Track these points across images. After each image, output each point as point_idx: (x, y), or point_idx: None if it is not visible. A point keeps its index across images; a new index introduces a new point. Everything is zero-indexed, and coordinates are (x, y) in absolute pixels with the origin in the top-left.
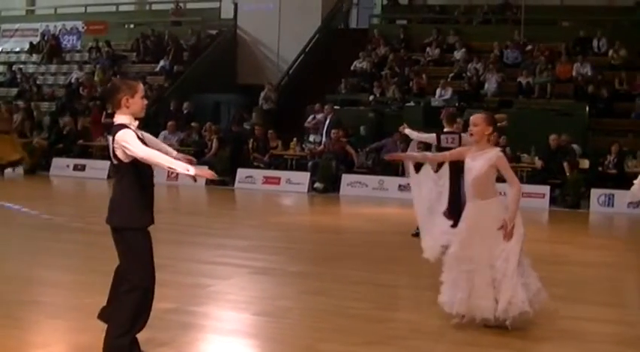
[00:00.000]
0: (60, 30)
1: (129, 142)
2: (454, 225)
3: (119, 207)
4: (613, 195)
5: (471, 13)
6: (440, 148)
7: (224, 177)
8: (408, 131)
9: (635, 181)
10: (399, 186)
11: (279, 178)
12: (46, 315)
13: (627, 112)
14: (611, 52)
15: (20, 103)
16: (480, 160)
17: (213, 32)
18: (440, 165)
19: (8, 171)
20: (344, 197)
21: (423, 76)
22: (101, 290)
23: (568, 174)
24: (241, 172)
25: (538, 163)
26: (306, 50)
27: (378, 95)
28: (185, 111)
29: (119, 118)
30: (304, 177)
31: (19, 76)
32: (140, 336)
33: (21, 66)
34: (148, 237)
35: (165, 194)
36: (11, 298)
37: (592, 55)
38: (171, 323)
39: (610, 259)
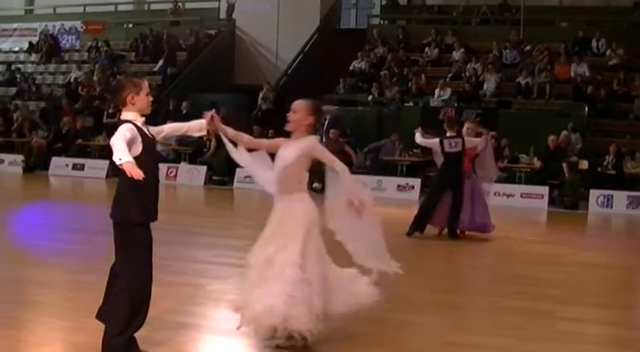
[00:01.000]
0: (59, 29)
1: (115, 134)
2: None
3: (121, 202)
4: (612, 196)
5: (470, 14)
6: (445, 153)
7: (223, 177)
8: (417, 135)
9: None
10: (398, 186)
11: None
12: (42, 315)
13: (626, 113)
14: (609, 53)
15: (19, 103)
16: (291, 149)
17: (212, 32)
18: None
19: (6, 168)
20: None
21: (422, 76)
22: (98, 289)
23: (567, 174)
24: (240, 172)
25: (537, 164)
26: (305, 50)
27: (376, 95)
28: (184, 111)
29: (125, 115)
30: None
31: (17, 75)
32: (138, 335)
33: (20, 65)
34: (148, 234)
35: (162, 193)
36: (8, 298)
37: (590, 56)
38: (169, 322)
39: (608, 260)
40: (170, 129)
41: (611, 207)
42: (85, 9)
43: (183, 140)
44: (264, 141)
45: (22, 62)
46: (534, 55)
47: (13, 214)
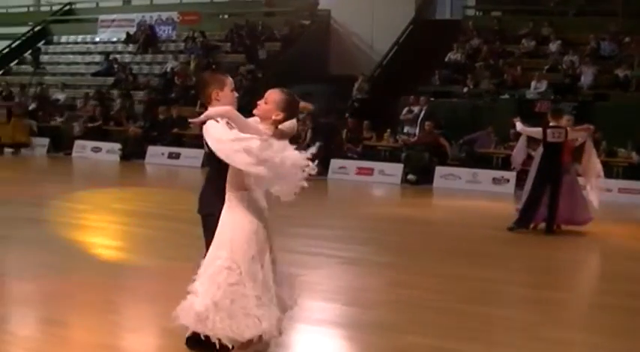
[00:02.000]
0: (155, 20)
1: (209, 132)
2: None
3: (206, 194)
4: None
5: (566, 5)
6: (546, 143)
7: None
8: (518, 124)
9: None
10: (493, 179)
11: (372, 169)
12: (137, 300)
13: None
14: None
15: (116, 92)
16: None
17: (306, 22)
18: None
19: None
20: (437, 189)
21: (518, 68)
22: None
23: None
24: (334, 163)
25: (635, 158)
26: (400, 41)
27: (471, 87)
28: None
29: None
30: (397, 168)
31: (115, 65)
32: None
33: (117, 56)
34: None
35: None
36: (105, 282)
37: None
38: None
39: None
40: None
41: None
42: (181, 0)
43: None
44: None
45: (120, 52)
46: (633, 47)
47: (109, 201)
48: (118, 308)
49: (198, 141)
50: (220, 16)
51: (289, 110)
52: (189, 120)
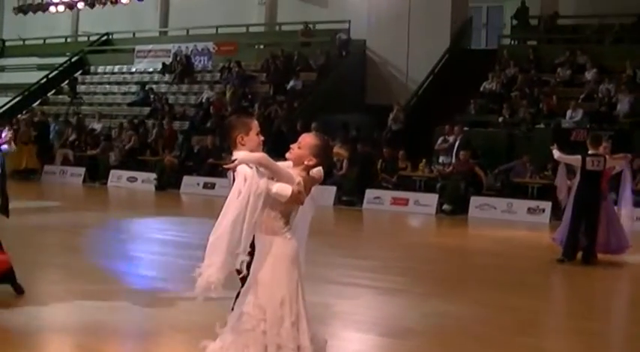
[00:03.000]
0: (191, 50)
1: (242, 157)
2: None
3: None
4: None
5: (603, 33)
6: (585, 171)
7: (352, 198)
8: (555, 151)
9: None
10: (528, 209)
11: (407, 199)
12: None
13: None
14: None
15: (151, 122)
16: None
17: (342, 52)
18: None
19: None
20: (472, 219)
21: (553, 97)
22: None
23: None
24: (369, 193)
25: None
26: (435, 70)
27: (507, 116)
28: (313, 131)
29: (237, 154)
30: (432, 198)
31: (151, 95)
32: None
33: (153, 85)
34: None
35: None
36: (140, 312)
37: None
38: None
39: None
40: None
41: None
42: (217, 30)
43: None
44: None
45: (156, 82)
46: None
47: (146, 230)
48: (153, 337)
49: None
50: (256, 46)
51: (323, 156)
52: (224, 166)
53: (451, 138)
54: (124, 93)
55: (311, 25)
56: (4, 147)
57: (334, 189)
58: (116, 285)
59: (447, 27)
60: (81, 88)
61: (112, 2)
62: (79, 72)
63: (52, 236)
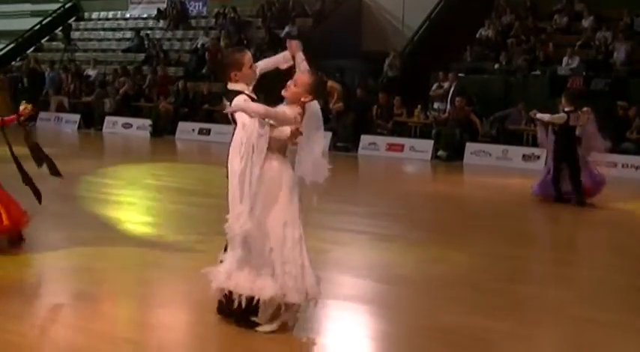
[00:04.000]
0: None
1: (241, 107)
2: None
3: None
4: None
5: None
6: (566, 126)
7: (347, 144)
8: (539, 115)
9: None
10: (523, 156)
11: (403, 145)
12: (168, 275)
13: None
14: None
15: (146, 68)
16: None
17: None
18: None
19: (135, 132)
20: (467, 166)
21: (550, 44)
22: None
23: None
24: (365, 139)
25: None
26: (431, 17)
27: (503, 64)
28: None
29: (234, 86)
30: (428, 144)
31: (146, 41)
32: None
33: (148, 32)
34: None
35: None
36: (137, 258)
37: None
38: None
39: None
40: (262, 65)
41: None
42: None
43: None
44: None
45: (151, 28)
46: None
47: (141, 177)
48: (150, 284)
49: (229, 117)
50: None
51: (318, 92)
52: (225, 110)
53: (446, 85)
54: (119, 40)
55: None
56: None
57: (329, 134)
58: (112, 232)
59: None
60: (75, 35)
61: None
62: (73, 18)
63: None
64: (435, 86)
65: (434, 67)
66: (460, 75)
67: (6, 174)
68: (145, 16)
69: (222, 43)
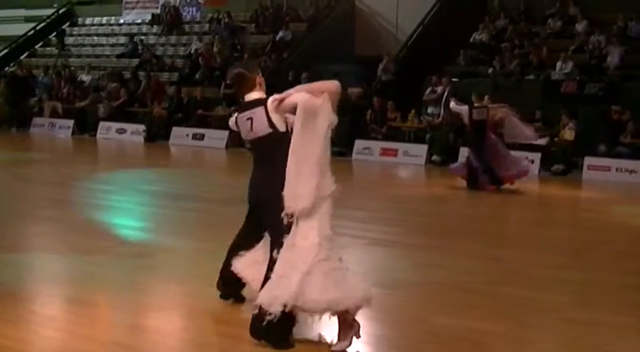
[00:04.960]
0: (180, 1)
1: (287, 96)
2: None
3: (265, 180)
4: None
5: None
6: (471, 120)
7: (342, 148)
8: (452, 102)
9: None
10: None
11: (397, 150)
12: (164, 280)
13: None
14: None
15: (141, 74)
16: None
17: (332, 3)
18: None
19: (129, 137)
20: None
21: (543, 48)
22: (218, 257)
23: None
24: (359, 143)
25: None
26: (425, 21)
27: (497, 68)
28: (303, 82)
29: (254, 95)
30: (422, 149)
31: (140, 47)
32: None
33: (142, 37)
34: None
35: None
36: (131, 263)
37: None
38: None
39: None
40: None
41: None
42: None
43: None
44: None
45: (145, 34)
46: None
47: (135, 182)
48: (144, 288)
49: (223, 123)
50: None
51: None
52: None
53: (439, 89)
54: (113, 45)
55: None
56: None
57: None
58: (106, 237)
59: None
60: (69, 40)
61: None
62: (67, 24)
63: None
64: (428, 90)
65: (428, 71)
66: (454, 79)
67: None
68: (138, 21)
69: (215, 49)
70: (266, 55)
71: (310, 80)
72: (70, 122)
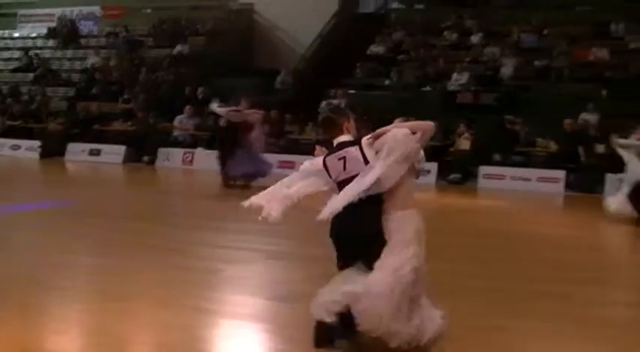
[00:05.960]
0: (77, 15)
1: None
2: None
3: (363, 216)
4: None
5: None
6: (228, 121)
7: None
8: (215, 105)
9: None
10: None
11: (294, 163)
12: (67, 299)
13: None
14: (629, 37)
15: (36, 88)
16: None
17: (230, 17)
18: None
19: (24, 154)
20: None
21: (440, 60)
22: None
23: (583, 158)
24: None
25: (553, 147)
26: (323, 34)
27: (395, 80)
28: (200, 97)
29: (345, 138)
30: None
31: (35, 61)
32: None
33: (38, 51)
34: None
35: (180, 178)
36: (31, 283)
37: (609, 40)
38: (186, 307)
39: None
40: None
41: None
42: None
43: (200, 125)
44: None
45: (40, 48)
46: (553, 38)
47: (31, 200)
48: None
49: (120, 138)
50: (144, 11)
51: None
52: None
53: (335, 102)
54: (7, 60)
55: None
56: None
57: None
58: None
59: None
60: None
61: None
62: None
63: None
64: (323, 103)
65: (327, 83)
66: (351, 91)
67: None
68: (34, 35)
69: (112, 63)
70: (164, 69)
71: (208, 94)
72: None
